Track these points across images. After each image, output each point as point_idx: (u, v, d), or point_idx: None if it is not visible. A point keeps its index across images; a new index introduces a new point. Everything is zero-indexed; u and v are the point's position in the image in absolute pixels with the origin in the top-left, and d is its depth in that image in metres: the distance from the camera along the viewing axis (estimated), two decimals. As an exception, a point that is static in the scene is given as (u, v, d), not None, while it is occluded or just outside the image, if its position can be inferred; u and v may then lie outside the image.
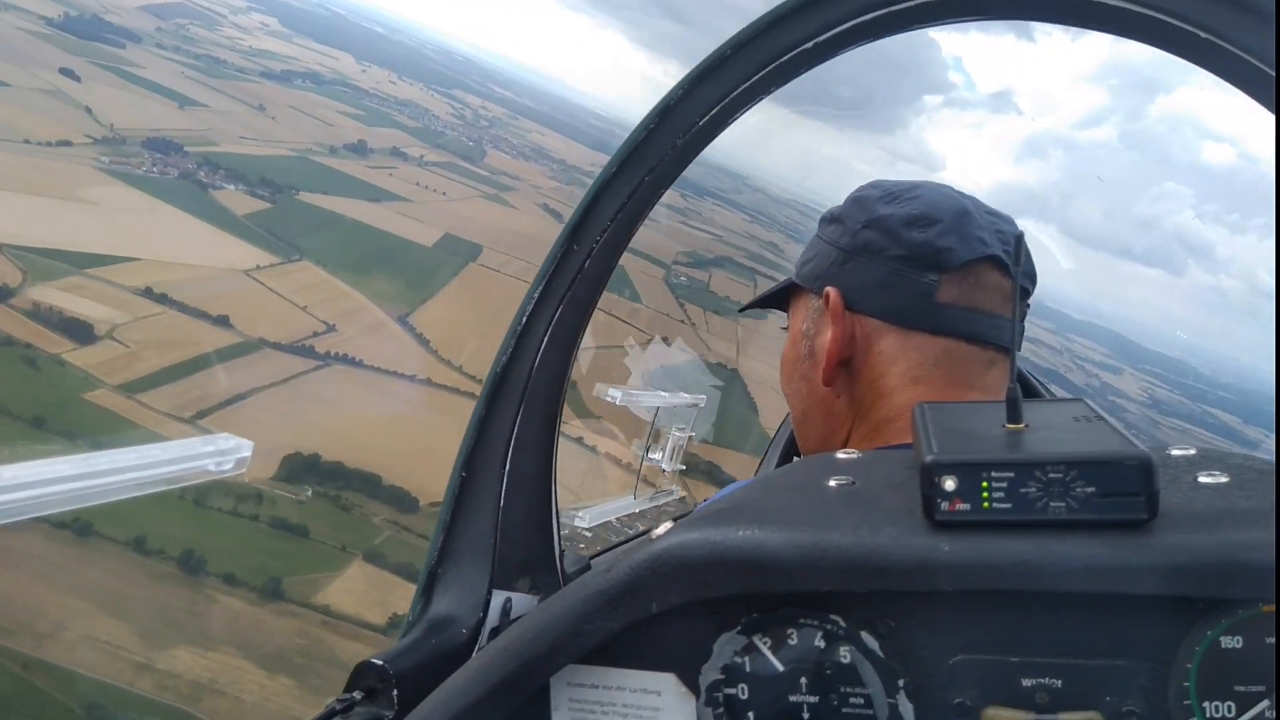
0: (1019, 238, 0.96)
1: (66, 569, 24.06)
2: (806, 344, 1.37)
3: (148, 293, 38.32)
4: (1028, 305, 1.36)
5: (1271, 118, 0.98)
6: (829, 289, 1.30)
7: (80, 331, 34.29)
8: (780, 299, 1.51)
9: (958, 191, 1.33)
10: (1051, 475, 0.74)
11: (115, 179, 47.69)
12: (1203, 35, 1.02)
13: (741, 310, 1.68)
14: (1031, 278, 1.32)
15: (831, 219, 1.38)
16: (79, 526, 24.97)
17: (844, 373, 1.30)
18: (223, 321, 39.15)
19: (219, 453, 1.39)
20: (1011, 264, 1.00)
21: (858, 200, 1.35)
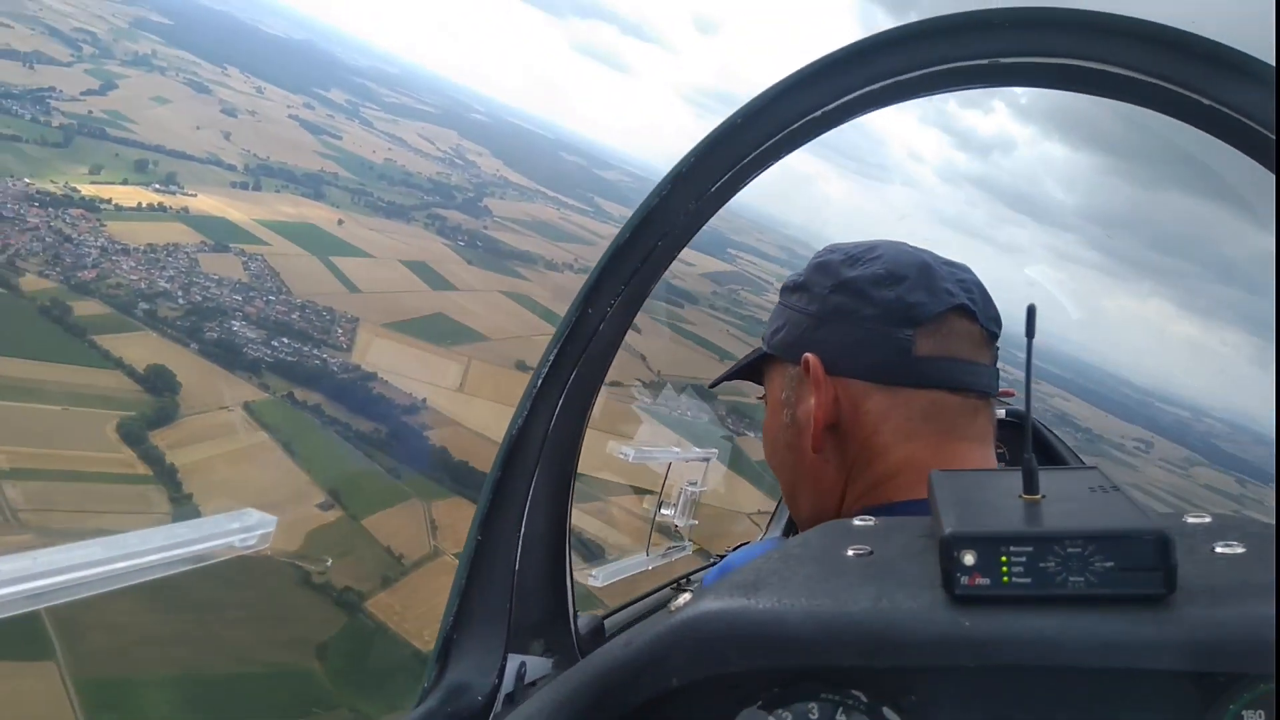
0: (1031, 308, 0.85)
1: None
2: (788, 413, 1.34)
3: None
4: (997, 349, 1.32)
5: (1272, 178, 1.04)
6: (807, 355, 1.29)
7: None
8: (752, 371, 1.48)
9: (913, 247, 1.33)
10: (1070, 550, 0.72)
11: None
12: (1205, 102, 1.06)
13: (712, 385, 1.66)
14: (997, 321, 1.30)
15: (795, 287, 1.37)
16: None
17: (831, 437, 1.28)
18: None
19: (244, 529, 1.38)
20: (1026, 333, 0.88)
21: (820, 266, 1.34)
